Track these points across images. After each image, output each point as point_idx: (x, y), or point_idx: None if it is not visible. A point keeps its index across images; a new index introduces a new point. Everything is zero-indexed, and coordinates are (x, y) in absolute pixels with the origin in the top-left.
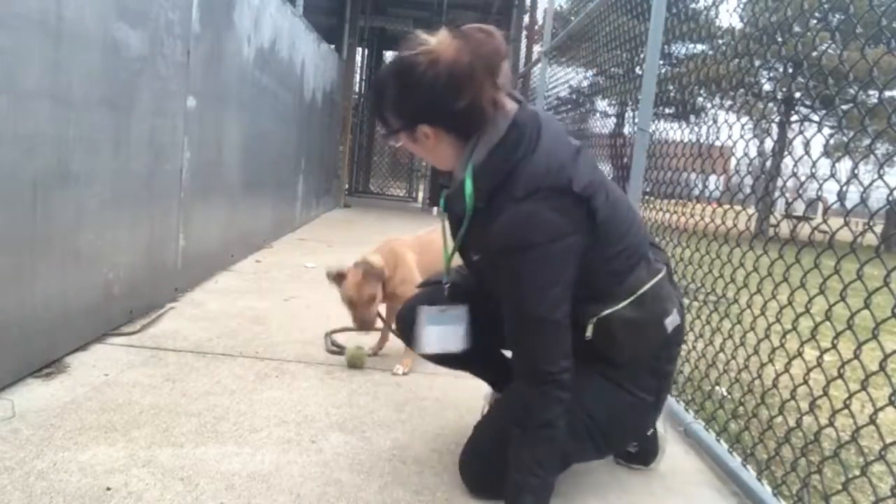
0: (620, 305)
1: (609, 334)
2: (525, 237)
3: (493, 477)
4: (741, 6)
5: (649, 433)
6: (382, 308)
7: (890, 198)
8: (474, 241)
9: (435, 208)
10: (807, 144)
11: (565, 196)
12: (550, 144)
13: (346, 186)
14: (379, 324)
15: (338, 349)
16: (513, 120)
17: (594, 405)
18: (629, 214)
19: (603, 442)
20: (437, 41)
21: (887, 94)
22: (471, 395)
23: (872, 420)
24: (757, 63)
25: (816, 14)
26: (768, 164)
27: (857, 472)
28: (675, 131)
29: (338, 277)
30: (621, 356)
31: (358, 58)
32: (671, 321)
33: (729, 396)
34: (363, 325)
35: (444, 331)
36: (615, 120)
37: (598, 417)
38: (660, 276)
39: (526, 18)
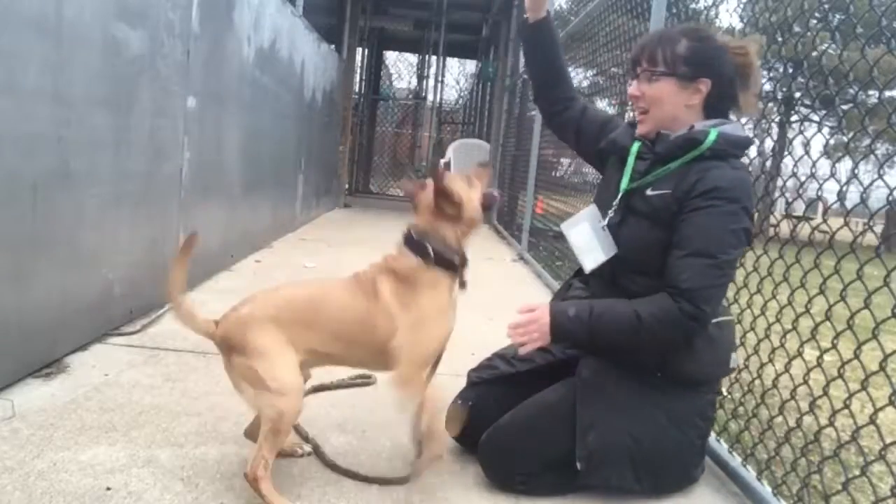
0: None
1: (690, 341)
2: (735, 189)
3: (508, 459)
4: (741, 6)
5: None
6: None
7: (890, 198)
8: (664, 182)
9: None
10: (807, 144)
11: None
12: None
13: (346, 186)
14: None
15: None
16: (747, 136)
17: (642, 433)
18: None
19: (644, 471)
20: (744, 39)
21: (887, 94)
22: None
23: (872, 420)
24: (757, 63)
25: (816, 14)
26: (768, 164)
27: (857, 472)
28: None
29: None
30: (691, 368)
31: (358, 58)
32: (734, 360)
33: (729, 396)
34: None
35: (593, 240)
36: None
37: (644, 446)
38: (732, 316)
39: None
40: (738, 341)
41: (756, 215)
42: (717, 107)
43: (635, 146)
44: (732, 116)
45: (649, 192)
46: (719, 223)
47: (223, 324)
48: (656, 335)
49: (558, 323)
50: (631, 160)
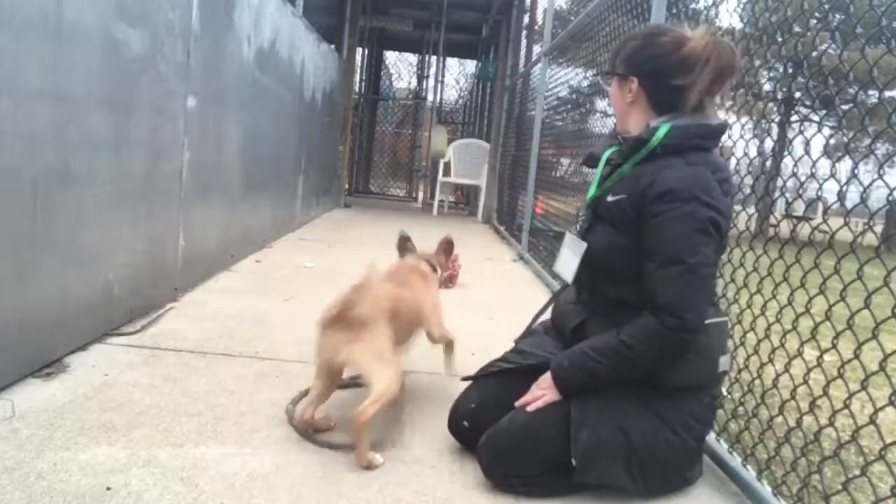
0: None
1: (688, 347)
2: (689, 187)
3: (506, 462)
4: (741, 6)
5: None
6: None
7: (890, 198)
8: (621, 186)
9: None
10: (807, 144)
11: (723, 184)
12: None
13: (346, 186)
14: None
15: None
16: (716, 124)
17: (635, 431)
18: None
19: (638, 470)
20: (694, 32)
21: (887, 94)
22: None
23: (872, 420)
24: (757, 63)
25: (816, 14)
26: (768, 164)
27: (857, 472)
28: None
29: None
30: (674, 377)
31: (358, 58)
32: (725, 361)
33: (729, 396)
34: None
35: (569, 257)
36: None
37: (637, 444)
38: (724, 318)
39: (526, 18)
40: (738, 341)
41: (756, 214)
42: (671, 104)
43: (606, 152)
44: (722, 112)
45: (609, 198)
46: (681, 226)
47: (362, 305)
48: (649, 355)
49: (557, 378)
50: (600, 167)
